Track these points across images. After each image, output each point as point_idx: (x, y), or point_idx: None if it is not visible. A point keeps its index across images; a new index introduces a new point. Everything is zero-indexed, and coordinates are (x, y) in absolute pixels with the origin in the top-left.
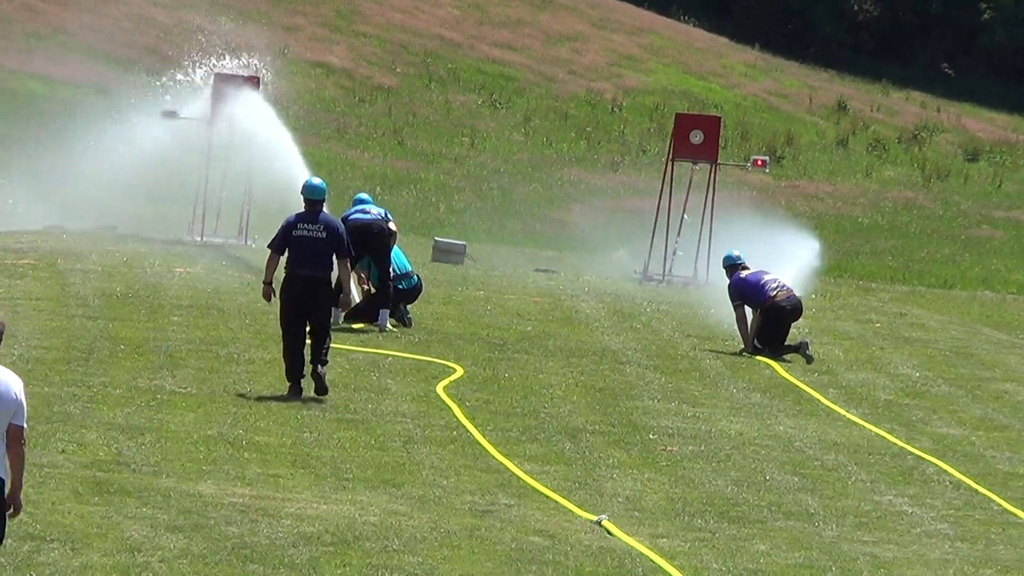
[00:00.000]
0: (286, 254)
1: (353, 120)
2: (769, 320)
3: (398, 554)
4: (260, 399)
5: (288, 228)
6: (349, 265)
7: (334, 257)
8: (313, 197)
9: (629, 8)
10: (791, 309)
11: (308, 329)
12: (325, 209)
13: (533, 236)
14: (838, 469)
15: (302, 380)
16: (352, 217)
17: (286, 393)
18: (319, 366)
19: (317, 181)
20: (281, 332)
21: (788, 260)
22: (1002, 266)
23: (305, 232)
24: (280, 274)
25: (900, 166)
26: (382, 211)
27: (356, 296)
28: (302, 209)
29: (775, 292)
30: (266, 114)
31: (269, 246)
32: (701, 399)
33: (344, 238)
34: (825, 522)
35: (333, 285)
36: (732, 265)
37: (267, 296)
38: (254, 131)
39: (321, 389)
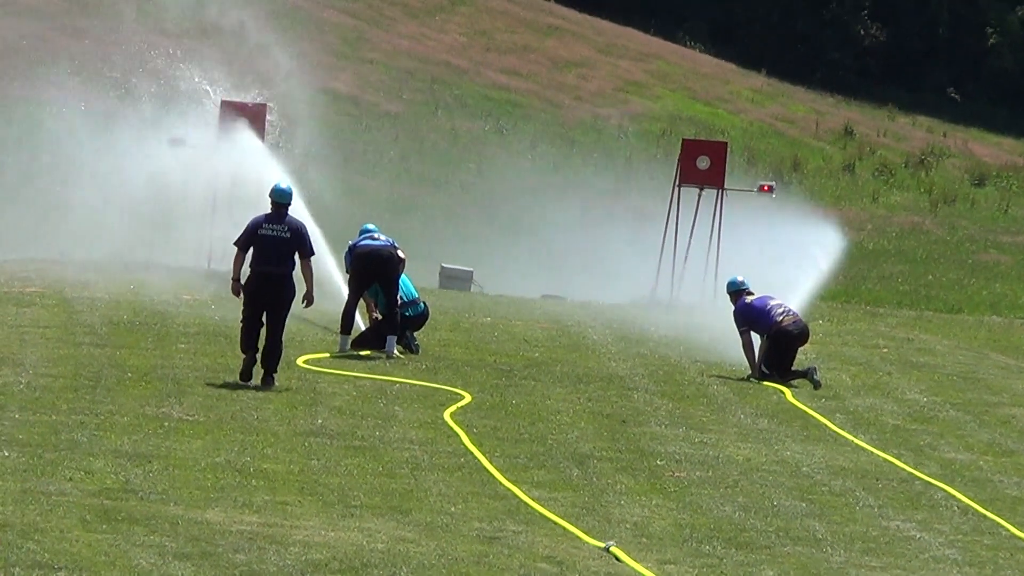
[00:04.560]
0: (250, 252)
1: (359, 146)
2: (776, 345)
3: None
4: (267, 426)
5: (255, 228)
6: (312, 264)
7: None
8: (280, 200)
9: (635, 34)
10: (798, 333)
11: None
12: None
13: (540, 262)
14: (846, 494)
15: (254, 367)
16: (361, 244)
17: (239, 379)
18: (269, 384)
19: (284, 186)
20: (241, 324)
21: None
22: (1009, 291)
23: (270, 232)
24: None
25: (907, 191)
26: (389, 240)
27: (362, 324)
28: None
29: (781, 317)
30: (260, 156)
31: (235, 243)
32: (708, 425)
33: (307, 238)
34: (833, 547)
35: (301, 286)
36: (737, 291)
37: (236, 292)
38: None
39: (267, 384)
